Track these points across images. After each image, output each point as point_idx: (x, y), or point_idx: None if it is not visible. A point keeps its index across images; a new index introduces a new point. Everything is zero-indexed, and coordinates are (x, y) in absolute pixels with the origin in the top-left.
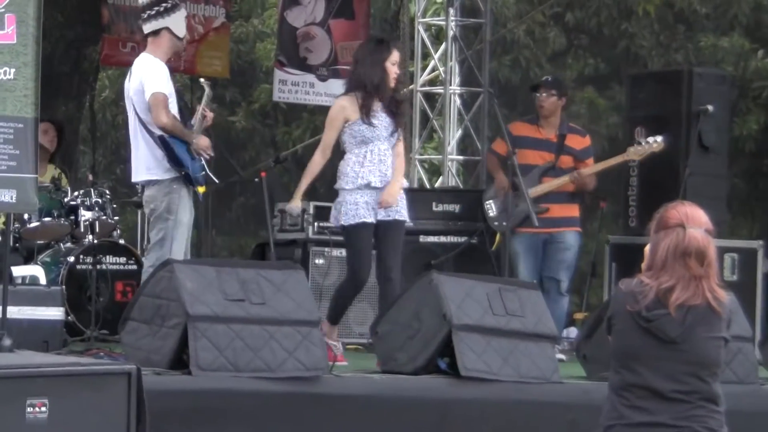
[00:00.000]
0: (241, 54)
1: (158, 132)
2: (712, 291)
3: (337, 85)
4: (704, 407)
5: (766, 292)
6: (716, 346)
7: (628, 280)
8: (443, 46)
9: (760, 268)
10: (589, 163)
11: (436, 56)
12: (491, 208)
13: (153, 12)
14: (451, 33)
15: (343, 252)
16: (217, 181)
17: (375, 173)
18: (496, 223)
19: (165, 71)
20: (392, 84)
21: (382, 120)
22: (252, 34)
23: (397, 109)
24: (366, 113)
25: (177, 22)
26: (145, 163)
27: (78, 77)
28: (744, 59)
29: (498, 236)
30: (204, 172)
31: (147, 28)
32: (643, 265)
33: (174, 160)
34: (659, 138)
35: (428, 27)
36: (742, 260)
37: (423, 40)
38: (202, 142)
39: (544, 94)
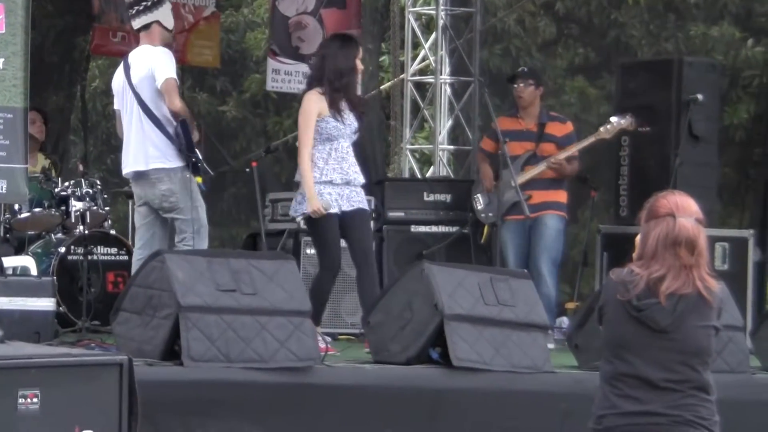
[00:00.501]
0: (231, 43)
1: (168, 117)
2: (703, 280)
3: None
4: (695, 396)
5: (756, 282)
6: (707, 335)
7: (618, 270)
8: (433, 35)
9: (751, 258)
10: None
11: (427, 46)
12: (478, 201)
13: (141, 7)
14: (441, 22)
15: None
16: (211, 172)
17: (337, 171)
18: (483, 215)
19: (171, 58)
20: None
21: (348, 117)
22: (242, 23)
23: (362, 107)
24: (337, 110)
25: (165, 15)
26: (151, 151)
27: (68, 67)
28: (734, 48)
29: (486, 228)
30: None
31: (137, 23)
32: (634, 255)
33: (189, 146)
34: (628, 116)
35: (418, 16)
36: (733, 249)
37: (413, 29)
38: (196, 134)
39: (521, 85)
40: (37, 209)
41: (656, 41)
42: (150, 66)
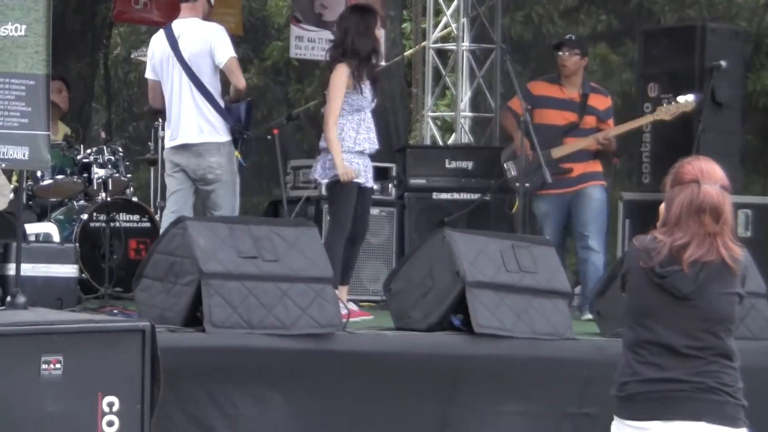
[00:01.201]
0: (252, 11)
1: (219, 91)
2: (727, 248)
3: None
4: (718, 362)
5: None
6: (731, 302)
7: (642, 237)
8: (455, 2)
9: None
10: (611, 124)
11: (449, 13)
12: (511, 169)
13: None
14: None
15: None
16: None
17: (368, 141)
18: (517, 184)
19: (227, 33)
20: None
21: (367, 88)
22: None
23: (377, 77)
24: (360, 82)
25: None
26: (204, 126)
27: (90, 34)
28: (758, 15)
29: (517, 199)
30: None
31: None
32: (658, 222)
33: (247, 126)
34: (691, 97)
35: None
36: (756, 216)
37: None
38: None
39: (567, 53)
40: (59, 176)
41: (679, 7)
42: (209, 42)
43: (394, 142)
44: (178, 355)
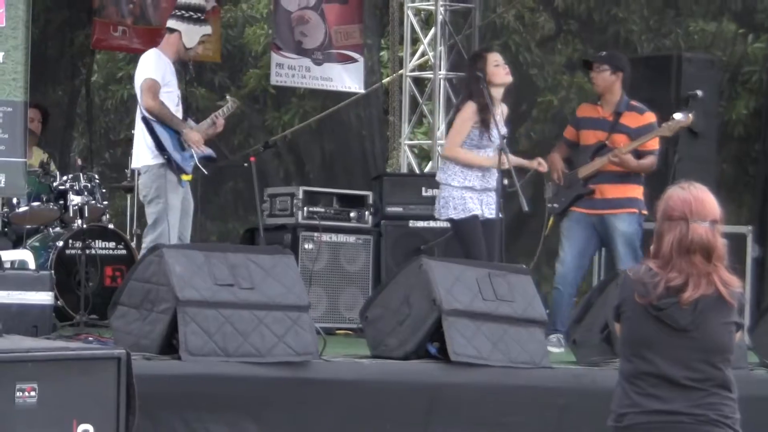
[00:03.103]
0: (230, 39)
1: (147, 116)
2: (725, 283)
3: (332, 69)
4: (718, 394)
5: (755, 278)
6: (728, 332)
7: (636, 267)
8: (432, 31)
9: (750, 254)
10: (647, 142)
11: (426, 41)
12: (548, 189)
13: (179, 13)
14: (440, 18)
15: (332, 237)
16: (206, 171)
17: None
18: (549, 206)
19: (159, 61)
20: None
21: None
22: (241, 18)
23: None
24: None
25: (191, 34)
26: (139, 149)
27: (67, 61)
28: (733, 44)
29: (551, 219)
30: (193, 162)
31: (168, 23)
32: (651, 249)
33: (158, 144)
34: (690, 114)
35: (417, 12)
36: (732, 246)
37: (412, 25)
38: (192, 136)
39: (595, 71)
40: (35, 203)
41: (656, 37)
42: (138, 67)
43: (372, 169)
44: (153, 383)
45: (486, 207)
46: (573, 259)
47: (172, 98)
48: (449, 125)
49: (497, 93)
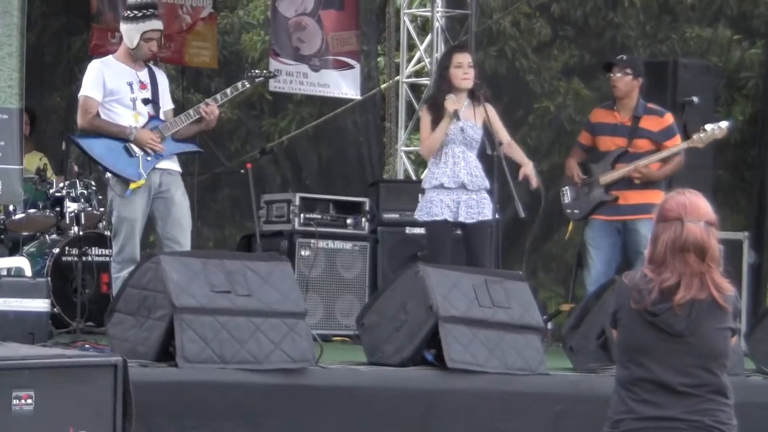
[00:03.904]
0: (226, 45)
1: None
2: (717, 286)
3: (329, 76)
4: (714, 400)
5: (751, 284)
6: (724, 337)
7: (631, 273)
8: (429, 37)
9: (746, 260)
10: (669, 145)
11: (422, 47)
12: (566, 195)
13: (123, 14)
14: (436, 24)
15: (329, 243)
16: (131, 178)
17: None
18: (568, 211)
19: (99, 72)
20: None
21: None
22: (237, 25)
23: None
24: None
25: (130, 33)
26: None
27: (64, 67)
28: (729, 50)
29: (571, 224)
30: (152, 165)
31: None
32: (646, 254)
33: (90, 158)
34: (723, 124)
35: (414, 18)
36: (728, 252)
37: (409, 31)
38: (143, 136)
39: (617, 74)
40: (31, 210)
41: (651, 43)
42: None
43: (368, 176)
44: (150, 390)
45: (465, 209)
46: (601, 266)
47: (124, 102)
48: None
49: (458, 94)
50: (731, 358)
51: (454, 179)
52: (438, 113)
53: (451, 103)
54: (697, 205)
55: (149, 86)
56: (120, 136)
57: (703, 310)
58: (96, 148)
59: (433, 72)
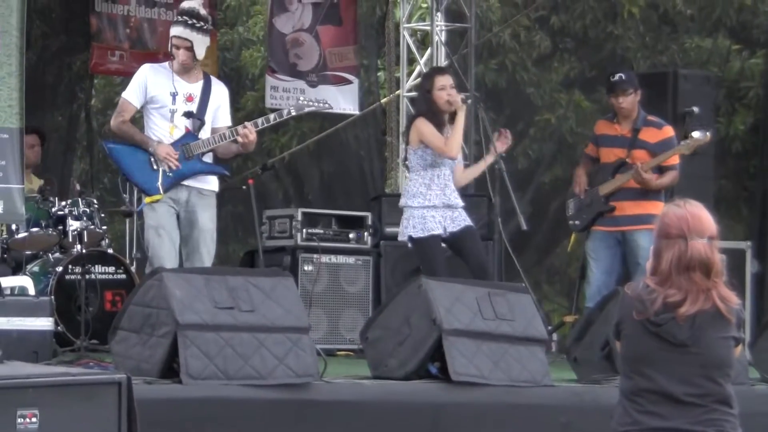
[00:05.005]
0: (226, 61)
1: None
2: (723, 299)
3: (326, 91)
4: (718, 410)
5: (755, 293)
6: (727, 346)
7: (634, 284)
8: (429, 51)
9: (749, 269)
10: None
11: (422, 61)
12: (569, 207)
13: (190, 22)
14: (436, 38)
15: (332, 258)
16: (152, 193)
17: (440, 196)
18: (570, 222)
19: (138, 76)
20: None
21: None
22: (237, 41)
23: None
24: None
25: (200, 44)
26: None
27: (65, 86)
28: (728, 60)
29: (573, 236)
30: (171, 180)
31: (175, 31)
32: (647, 266)
33: (118, 166)
34: (708, 132)
35: (414, 32)
36: (731, 261)
37: (408, 45)
38: (160, 150)
39: (621, 97)
40: (34, 229)
41: (651, 54)
42: None
43: (370, 190)
44: (154, 407)
45: (450, 222)
46: (601, 277)
47: (163, 113)
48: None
49: (441, 116)
50: (735, 367)
51: (444, 200)
52: (437, 119)
53: (457, 95)
54: (700, 219)
55: (197, 99)
56: (142, 146)
57: (707, 319)
58: (124, 157)
59: None
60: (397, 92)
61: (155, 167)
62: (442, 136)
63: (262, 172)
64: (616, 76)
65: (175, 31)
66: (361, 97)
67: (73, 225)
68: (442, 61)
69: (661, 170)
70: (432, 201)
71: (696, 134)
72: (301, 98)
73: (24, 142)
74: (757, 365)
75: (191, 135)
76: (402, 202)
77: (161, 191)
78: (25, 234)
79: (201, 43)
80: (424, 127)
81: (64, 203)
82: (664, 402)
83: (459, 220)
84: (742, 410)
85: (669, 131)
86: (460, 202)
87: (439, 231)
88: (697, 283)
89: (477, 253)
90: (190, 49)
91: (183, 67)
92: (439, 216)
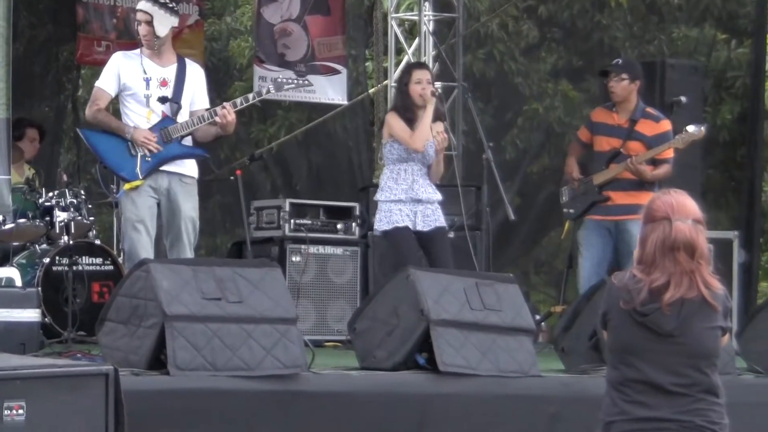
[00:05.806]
0: (214, 52)
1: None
2: (707, 284)
3: (315, 81)
4: (705, 400)
5: (742, 283)
6: (714, 336)
7: (620, 274)
8: (416, 41)
9: (736, 259)
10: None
11: (410, 51)
12: (563, 194)
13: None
14: (424, 28)
15: (320, 249)
16: (128, 177)
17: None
18: (565, 210)
19: (111, 65)
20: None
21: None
22: (225, 31)
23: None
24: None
25: (163, 20)
26: None
27: (52, 77)
28: (716, 50)
29: (567, 224)
30: (149, 165)
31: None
32: (634, 255)
33: (96, 154)
34: (703, 127)
35: (401, 22)
36: (718, 251)
37: (396, 35)
38: (137, 135)
39: (614, 80)
40: (21, 220)
41: (639, 43)
42: None
43: (358, 181)
44: (142, 399)
45: (421, 218)
46: (592, 267)
47: (138, 99)
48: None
49: (418, 110)
50: (722, 357)
51: (411, 195)
52: (409, 113)
53: (429, 92)
54: (684, 203)
55: (172, 83)
56: (119, 133)
57: (693, 309)
58: (101, 143)
59: None
60: (385, 82)
61: (133, 152)
62: (410, 130)
63: (249, 163)
64: (614, 61)
65: (139, 5)
66: (349, 88)
67: (61, 216)
68: (430, 51)
69: (654, 163)
70: (398, 195)
71: (690, 128)
72: (280, 77)
73: (28, 135)
74: (744, 355)
75: (169, 119)
76: (375, 196)
77: (140, 176)
78: (12, 225)
79: (163, 20)
80: (393, 121)
81: (51, 194)
82: (650, 392)
83: (431, 218)
84: (729, 400)
85: (666, 125)
86: (433, 197)
87: (405, 224)
88: (681, 264)
89: (444, 258)
90: (150, 23)
91: (148, 46)
92: (406, 209)
